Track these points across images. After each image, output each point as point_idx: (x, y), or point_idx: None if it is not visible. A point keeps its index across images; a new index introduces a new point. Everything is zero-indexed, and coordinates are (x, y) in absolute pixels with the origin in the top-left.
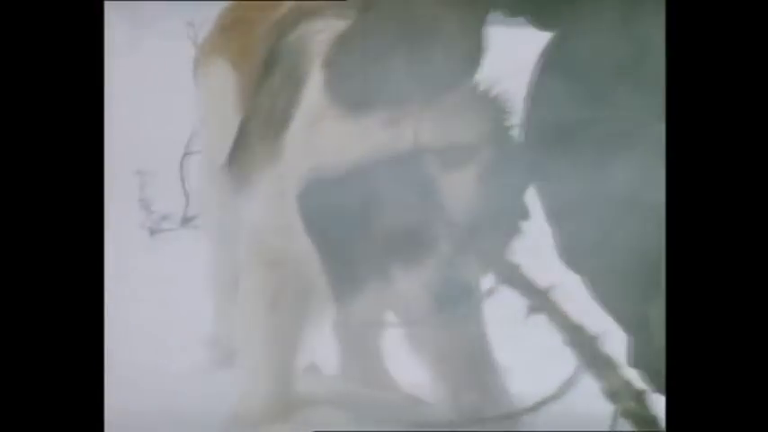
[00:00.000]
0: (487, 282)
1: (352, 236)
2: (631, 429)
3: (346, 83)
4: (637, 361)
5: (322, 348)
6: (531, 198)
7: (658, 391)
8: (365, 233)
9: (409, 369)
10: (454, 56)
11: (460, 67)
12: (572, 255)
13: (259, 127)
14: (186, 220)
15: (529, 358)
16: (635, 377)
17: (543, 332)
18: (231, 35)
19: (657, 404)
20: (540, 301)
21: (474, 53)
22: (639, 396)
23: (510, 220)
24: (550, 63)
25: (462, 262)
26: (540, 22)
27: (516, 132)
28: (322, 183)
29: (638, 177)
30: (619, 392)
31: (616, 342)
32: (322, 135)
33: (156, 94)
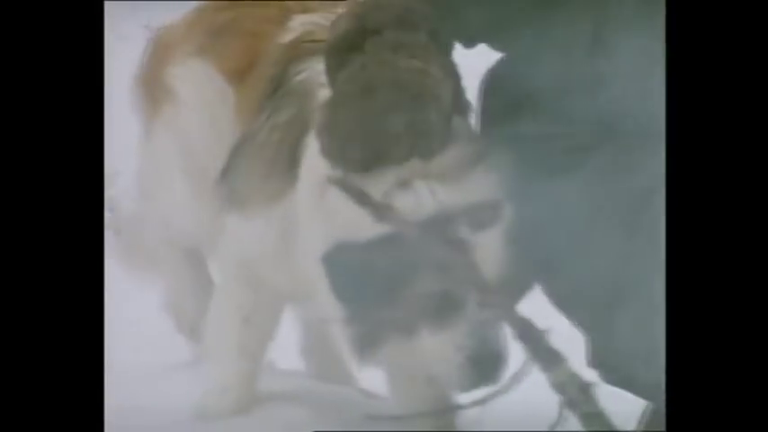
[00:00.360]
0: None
1: (381, 297)
2: (577, 423)
3: (344, 147)
4: (595, 361)
5: (282, 344)
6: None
7: (617, 385)
8: (394, 294)
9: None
10: (443, 97)
11: (450, 107)
12: (532, 264)
13: (261, 161)
14: None
15: None
16: (581, 371)
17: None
18: (224, 41)
19: (606, 399)
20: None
21: (455, 86)
22: (586, 389)
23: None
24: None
25: (493, 324)
26: (497, 46)
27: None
28: (349, 245)
29: (592, 191)
30: (565, 385)
31: (564, 337)
32: (334, 201)
33: (123, 94)
